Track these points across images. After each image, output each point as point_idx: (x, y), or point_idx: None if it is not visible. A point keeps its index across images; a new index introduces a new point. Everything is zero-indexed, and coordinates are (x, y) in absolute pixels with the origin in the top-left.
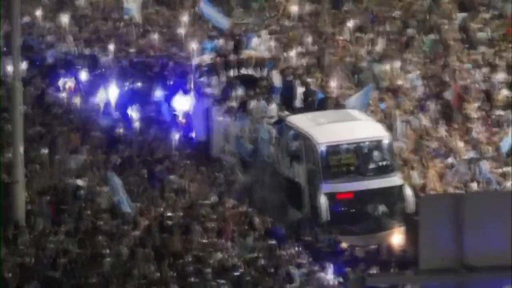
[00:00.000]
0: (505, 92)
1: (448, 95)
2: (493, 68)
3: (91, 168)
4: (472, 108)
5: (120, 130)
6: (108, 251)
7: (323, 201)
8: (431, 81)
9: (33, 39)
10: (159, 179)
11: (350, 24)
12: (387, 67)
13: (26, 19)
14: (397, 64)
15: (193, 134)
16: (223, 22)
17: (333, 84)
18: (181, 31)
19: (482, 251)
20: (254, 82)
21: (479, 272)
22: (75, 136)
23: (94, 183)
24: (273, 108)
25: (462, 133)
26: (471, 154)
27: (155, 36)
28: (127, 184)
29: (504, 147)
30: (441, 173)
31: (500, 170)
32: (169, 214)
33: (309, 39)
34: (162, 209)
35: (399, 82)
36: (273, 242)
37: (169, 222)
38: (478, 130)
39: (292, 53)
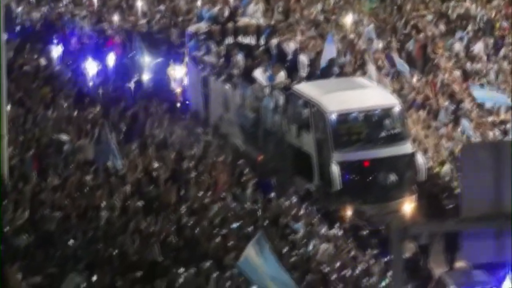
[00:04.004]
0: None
1: (410, 46)
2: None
3: (69, 122)
4: (441, 58)
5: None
6: (103, 204)
7: (334, 170)
8: (390, 33)
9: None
10: (138, 133)
11: None
12: (345, 19)
13: None
14: (351, 17)
15: (188, 102)
16: None
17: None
18: None
19: None
20: (251, 50)
21: None
22: (47, 90)
23: (77, 137)
24: (282, 75)
25: (433, 84)
26: (449, 105)
27: None
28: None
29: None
30: (424, 123)
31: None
32: (156, 165)
33: None
34: (148, 162)
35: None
36: (272, 194)
37: (159, 174)
38: (450, 80)
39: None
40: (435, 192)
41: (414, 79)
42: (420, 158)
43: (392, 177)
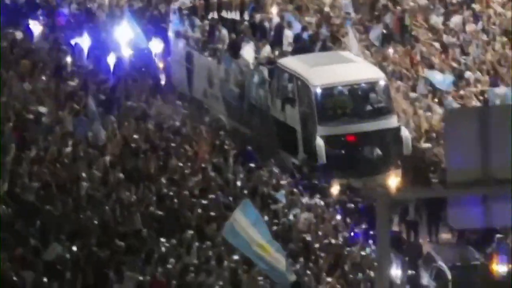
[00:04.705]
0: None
1: (388, 19)
2: None
3: (49, 95)
4: (420, 30)
5: (68, 59)
6: (83, 175)
7: (319, 144)
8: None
9: None
10: (116, 105)
11: None
12: None
13: None
14: None
15: (171, 76)
16: None
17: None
18: None
19: (509, 163)
20: (235, 25)
21: (506, 184)
22: (26, 63)
23: (56, 109)
24: (267, 50)
25: (412, 55)
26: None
27: None
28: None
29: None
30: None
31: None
32: (135, 136)
33: None
34: (127, 134)
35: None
36: (252, 164)
37: (139, 146)
38: (429, 52)
39: None
40: (421, 165)
41: (391, 51)
42: (405, 132)
43: (378, 151)
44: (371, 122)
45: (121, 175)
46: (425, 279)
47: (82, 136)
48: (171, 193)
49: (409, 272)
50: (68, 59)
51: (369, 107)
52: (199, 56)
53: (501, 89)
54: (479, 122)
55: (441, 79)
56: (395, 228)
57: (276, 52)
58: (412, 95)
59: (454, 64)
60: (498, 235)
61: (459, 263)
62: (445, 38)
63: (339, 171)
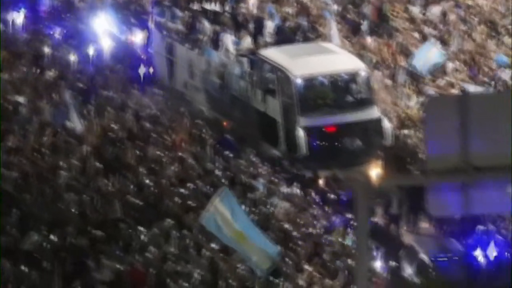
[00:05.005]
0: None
1: (364, 8)
2: None
3: (27, 85)
4: (398, 20)
5: (47, 49)
6: (62, 164)
7: (300, 135)
8: None
9: None
10: (95, 95)
11: None
12: None
13: None
14: None
15: (152, 68)
16: None
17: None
18: None
19: (488, 151)
20: (217, 16)
21: (485, 172)
22: (5, 53)
23: (34, 99)
24: (248, 41)
25: (390, 45)
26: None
27: None
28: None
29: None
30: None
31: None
32: (113, 126)
33: None
34: (106, 123)
35: None
36: (229, 152)
37: (117, 135)
38: (407, 42)
39: None
40: (402, 156)
41: (370, 40)
42: (386, 123)
43: (359, 142)
44: (352, 113)
45: (100, 165)
46: (407, 271)
47: (61, 126)
48: (149, 182)
49: (391, 263)
50: (47, 49)
51: (350, 98)
52: (181, 47)
53: (477, 89)
54: (459, 110)
55: (437, 53)
56: (379, 220)
57: (257, 43)
58: (391, 84)
59: None
60: (479, 226)
61: (441, 255)
62: (424, 28)
63: (320, 162)
